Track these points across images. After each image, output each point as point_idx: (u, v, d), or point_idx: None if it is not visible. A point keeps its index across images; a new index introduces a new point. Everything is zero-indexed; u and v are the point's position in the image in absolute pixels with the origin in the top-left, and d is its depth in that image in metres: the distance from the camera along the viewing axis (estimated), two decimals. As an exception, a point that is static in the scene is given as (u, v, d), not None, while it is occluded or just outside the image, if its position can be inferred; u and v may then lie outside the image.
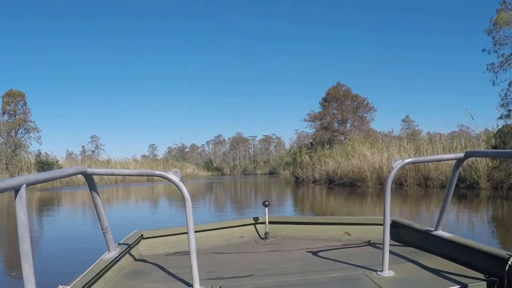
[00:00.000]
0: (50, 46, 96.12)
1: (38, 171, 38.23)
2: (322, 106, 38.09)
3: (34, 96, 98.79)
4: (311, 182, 31.51)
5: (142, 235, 3.42)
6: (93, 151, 79.48)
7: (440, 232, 2.94)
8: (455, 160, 2.73)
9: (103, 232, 2.73)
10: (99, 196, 2.60)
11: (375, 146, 24.66)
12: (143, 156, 75.88)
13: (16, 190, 1.59)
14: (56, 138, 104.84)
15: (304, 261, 2.93)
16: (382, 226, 2.54)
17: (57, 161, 41.74)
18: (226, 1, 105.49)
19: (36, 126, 49.14)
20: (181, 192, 2.37)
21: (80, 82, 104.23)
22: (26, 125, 48.30)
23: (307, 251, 3.17)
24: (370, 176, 22.48)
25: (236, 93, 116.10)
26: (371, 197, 18.92)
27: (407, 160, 2.63)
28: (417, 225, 3.25)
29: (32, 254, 1.61)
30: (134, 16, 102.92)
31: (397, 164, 2.54)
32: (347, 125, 36.86)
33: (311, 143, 36.77)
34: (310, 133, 41.60)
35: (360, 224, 3.65)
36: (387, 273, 2.45)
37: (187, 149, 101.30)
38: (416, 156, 16.67)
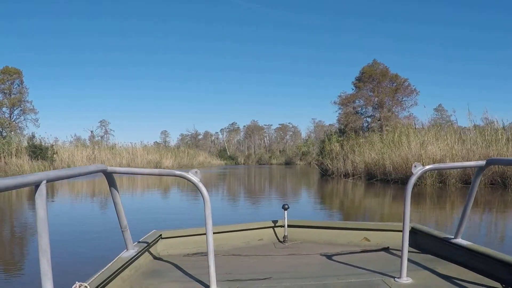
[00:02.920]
0: (60, 31, 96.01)
1: (30, 156, 34.17)
2: (356, 87, 32.53)
3: (43, 80, 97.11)
4: (342, 176, 26.62)
5: (161, 234, 3.42)
6: (102, 137, 78.00)
7: (459, 240, 2.90)
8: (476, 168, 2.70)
9: (122, 231, 2.74)
10: (119, 194, 2.63)
11: (435, 135, 19.61)
12: (155, 143, 73.28)
13: (36, 185, 1.61)
14: (65, 121, 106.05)
15: (322, 265, 2.93)
16: (401, 233, 2.53)
17: (52, 145, 37.35)
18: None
19: (33, 107, 44.86)
20: (200, 192, 2.39)
21: (91, 66, 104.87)
22: (22, 105, 43.99)
23: (325, 256, 3.16)
24: (430, 171, 17.43)
25: (251, 80, 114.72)
26: (431, 200, 14.23)
27: (427, 167, 2.60)
28: (436, 233, 3.24)
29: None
30: (142, 2, 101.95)
31: (418, 171, 2.52)
32: (384, 109, 31.26)
33: (341, 129, 31.64)
34: (334, 120, 36.64)
35: (379, 230, 3.60)
36: (405, 280, 2.42)
37: (200, 137, 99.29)
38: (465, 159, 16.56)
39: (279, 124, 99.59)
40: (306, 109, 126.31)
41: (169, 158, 49.39)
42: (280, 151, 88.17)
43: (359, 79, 31.67)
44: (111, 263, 2.54)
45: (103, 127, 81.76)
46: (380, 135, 26.63)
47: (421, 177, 17.55)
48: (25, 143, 36.30)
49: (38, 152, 34.65)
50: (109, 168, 2.45)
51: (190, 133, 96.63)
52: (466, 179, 17.08)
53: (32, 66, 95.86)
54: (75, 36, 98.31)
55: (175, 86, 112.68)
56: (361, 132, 28.63)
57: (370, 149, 23.52)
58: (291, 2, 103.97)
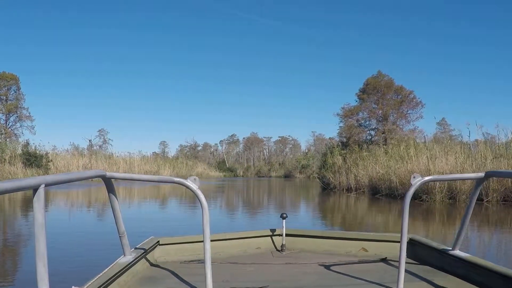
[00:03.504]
0: (59, 40, 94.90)
1: (24, 163, 33.35)
2: (359, 99, 31.53)
3: (42, 88, 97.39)
4: (344, 190, 25.74)
5: (159, 241, 3.41)
6: (100, 146, 76.89)
7: (458, 252, 2.89)
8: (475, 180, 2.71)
9: (120, 236, 2.73)
10: (117, 199, 2.63)
11: (443, 149, 18.78)
12: (154, 153, 72.57)
13: (35, 189, 1.61)
14: (64, 130, 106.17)
15: (320, 275, 2.92)
16: (399, 243, 2.48)
17: (47, 153, 36.52)
18: (242, 1, 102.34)
19: (29, 114, 44.18)
20: (199, 200, 2.39)
21: (90, 75, 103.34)
22: (18, 112, 43.22)
23: (323, 265, 3.15)
24: (440, 186, 16.51)
25: (251, 92, 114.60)
26: (440, 217, 13.44)
27: (426, 178, 2.54)
28: (434, 244, 3.21)
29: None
30: (146, 11, 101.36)
31: (416, 182, 2.48)
32: (388, 122, 30.26)
33: (343, 142, 30.72)
34: (334, 134, 35.84)
35: (377, 241, 3.57)
36: None
37: (199, 148, 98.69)
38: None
39: (278, 137, 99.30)
40: (306, 122, 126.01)
41: (167, 168, 48.95)
42: (279, 164, 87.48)
43: (363, 91, 30.69)
44: (107, 268, 2.51)
45: (102, 136, 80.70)
46: (384, 148, 25.81)
47: (430, 193, 16.71)
48: (19, 151, 35.49)
49: (33, 159, 33.88)
50: (108, 174, 2.45)
51: (189, 144, 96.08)
52: (478, 196, 16.24)
53: (31, 73, 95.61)
54: (75, 43, 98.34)
55: (174, 97, 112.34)
56: (364, 145, 27.71)
57: (375, 162, 22.67)
58: (291, 14, 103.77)
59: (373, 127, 30.66)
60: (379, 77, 30.49)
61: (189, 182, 2.40)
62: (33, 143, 37.28)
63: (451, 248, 2.95)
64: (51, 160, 35.87)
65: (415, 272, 2.88)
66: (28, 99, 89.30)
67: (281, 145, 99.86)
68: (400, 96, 29.94)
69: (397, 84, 30.47)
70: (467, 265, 2.72)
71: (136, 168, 44.41)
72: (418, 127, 31.54)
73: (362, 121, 30.70)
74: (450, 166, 17.39)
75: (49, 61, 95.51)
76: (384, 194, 20.11)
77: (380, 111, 29.84)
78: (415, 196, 17.12)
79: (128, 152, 50.56)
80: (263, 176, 78.04)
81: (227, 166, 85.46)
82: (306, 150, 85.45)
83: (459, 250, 2.92)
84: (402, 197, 18.00)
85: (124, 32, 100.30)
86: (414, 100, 29.89)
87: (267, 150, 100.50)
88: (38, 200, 1.61)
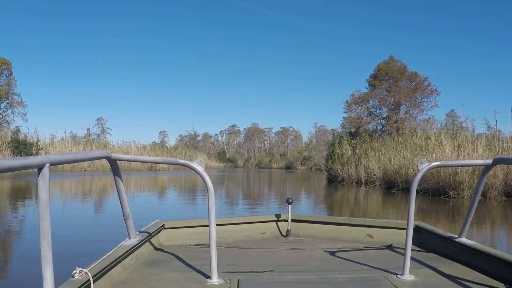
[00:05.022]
0: (61, 30, 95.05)
1: (13, 151, 31.56)
2: (370, 85, 29.17)
3: (40, 77, 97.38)
4: (354, 183, 23.88)
5: (164, 225, 3.42)
6: (98, 135, 75.05)
7: (463, 240, 2.89)
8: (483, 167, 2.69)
9: (125, 219, 2.74)
10: (122, 182, 2.62)
11: (469, 139, 16.90)
12: (153, 143, 71.20)
13: (39, 168, 1.60)
14: (63, 119, 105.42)
15: (324, 260, 2.92)
16: (405, 230, 2.53)
17: (38, 141, 34.64)
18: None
19: (21, 100, 42.09)
20: (204, 182, 2.40)
21: (93, 65, 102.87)
22: (10, 98, 41.24)
23: (328, 251, 3.15)
24: (468, 181, 14.58)
25: (252, 83, 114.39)
26: (476, 219, 11.53)
27: (433, 164, 2.58)
28: (440, 231, 3.22)
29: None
30: (149, 3, 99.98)
31: (424, 167, 2.51)
32: (401, 111, 28.05)
33: (351, 132, 28.70)
34: (336, 125, 33.92)
35: (382, 227, 3.57)
36: (408, 277, 2.41)
37: (199, 138, 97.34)
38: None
39: (280, 127, 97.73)
40: (307, 113, 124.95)
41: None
42: (280, 155, 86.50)
43: (374, 77, 28.47)
44: (112, 250, 2.51)
45: (100, 126, 78.96)
46: (402, 137, 23.86)
47: (458, 188, 14.78)
48: (9, 138, 33.65)
49: (22, 147, 32.08)
50: (113, 155, 2.43)
51: (189, 134, 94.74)
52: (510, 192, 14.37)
53: (29, 63, 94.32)
54: (74, 34, 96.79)
55: (175, 87, 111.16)
56: (375, 135, 25.74)
57: (391, 153, 20.74)
58: (294, 6, 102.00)
59: (384, 116, 28.56)
60: (392, 62, 28.37)
61: (195, 164, 2.42)
62: (28, 131, 35.52)
63: (457, 236, 2.93)
64: (42, 148, 34.00)
65: (421, 259, 2.85)
66: (26, 86, 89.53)
67: (282, 136, 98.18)
68: (414, 83, 27.85)
69: (411, 70, 28.36)
70: (473, 252, 2.70)
71: (133, 158, 42.74)
72: (433, 116, 29.60)
73: (373, 110, 28.61)
74: (483, 158, 15.50)
75: (48, 50, 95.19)
76: (401, 188, 18.22)
77: (392, 99, 27.76)
78: (440, 192, 15.23)
79: (124, 141, 48.98)
80: (263, 167, 77.10)
81: (228, 156, 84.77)
82: (308, 142, 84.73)
83: (465, 238, 2.89)
84: (425, 192, 16.27)
85: (125, 23, 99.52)
86: (429, 87, 27.72)
87: (268, 141, 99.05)
88: (43, 179, 1.59)
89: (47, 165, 1.60)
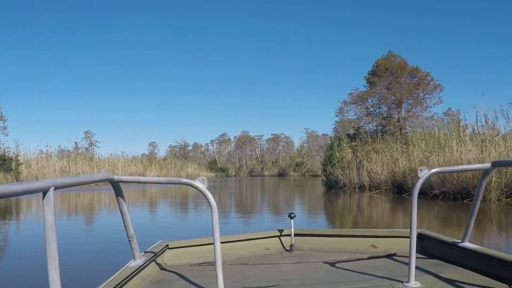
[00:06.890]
0: (50, 44, 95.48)
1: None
2: (369, 83, 27.35)
3: (32, 93, 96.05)
4: (357, 188, 22.19)
5: (168, 244, 3.43)
6: (86, 148, 74.02)
7: (467, 244, 2.86)
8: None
9: (129, 240, 2.72)
10: (125, 203, 2.62)
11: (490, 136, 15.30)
12: (143, 155, 69.81)
13: (44, 192, 1.62)
14: (51, 134, 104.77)
15: (330, 272, 2.88)
16: (408, 239, 2.48)
17: (17, 156, 32.62)
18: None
19: (1, 113, 40.19)
20: (207, 200, 2.35)
21: (79, 79, 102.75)
22: (-12, 112, 39.26)
23: (332, 263, 3.12)
24: (495, 181, 12.91)
25: (241, 91, 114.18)
26: (499, 222, 10.00)
27: (433, 170, 2.51)
28: (443, 237, 3.18)
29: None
30: (135, 14, 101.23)
31: (424, 174, 2.44)
32: (403, 109, 26.27)
33: (349, 134, 26.92)
34: (328, 130, 32.43)
35: (386, 237, 3.54)
36: (413, 284, 2.36)
37: (189, 148, 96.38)
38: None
39: (271, 135, 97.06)
40: (297, 120, 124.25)
41: (153, 169, 45.44)
42: (272, 162, 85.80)
43: (373, 73, 26.78)
44: (118, 272, 2.52)
45: (88, 139, 78.67)
46: (400, 138, 22.30)
47: (484, 190, 13.09)
48: (-13, 154, 31.58)
49: (0, 163, 29.99)
50: (116, 177, 2.44)
51: (178, 144, 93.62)
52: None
53: (17, 79, 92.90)
54: (61, 47, 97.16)
55: (163, 98, 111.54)
56: (377, 135, 24.10)
57: (397, 154, 19.08)
58: (284, 13, 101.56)
59: (385, 115, 26.86)
60: (390, 57, 26.77)
61: (197, 183, 2.39)
62: (7, 146, 33.47)
63: (460, 241, 2.92)
64: (22, 163, 31.98)
65: (425, 266, 2.83)
66: (9, 101, 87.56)
67: (273, 143, 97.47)
68: (416, 79, 26.21)
69: (412, 65, 26.73)
70: (477, 256, 2.68)
71: (120, 170, 40.89)
72: (437, 113, 28.00)
73: (372, 109, 26.91)
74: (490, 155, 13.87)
75: (38, 64, 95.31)
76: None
77: (393, 96, 26.10)
78: (463, 195, 13.55)
79: (110, 154, 47.10)
80: (256, 175, 76.02)
81: (219, 166, 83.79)
82: (300, 148, 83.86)
83: (469, 242, 2.88)
84: (444, 197, 14.59)
85: (111, 35, 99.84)
86: (432, 82, 26.13)
87: (259, 149, 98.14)
88: (48, 203, 1.62)
89: (52, 188, 1.63)
